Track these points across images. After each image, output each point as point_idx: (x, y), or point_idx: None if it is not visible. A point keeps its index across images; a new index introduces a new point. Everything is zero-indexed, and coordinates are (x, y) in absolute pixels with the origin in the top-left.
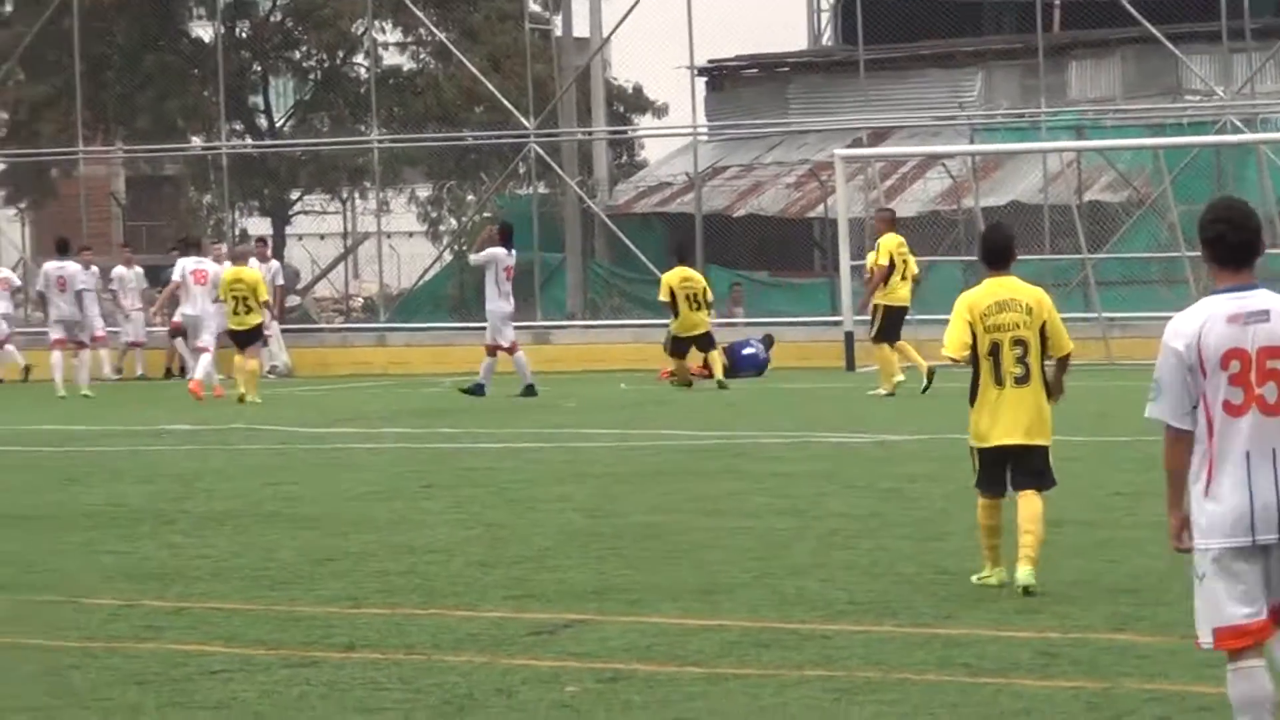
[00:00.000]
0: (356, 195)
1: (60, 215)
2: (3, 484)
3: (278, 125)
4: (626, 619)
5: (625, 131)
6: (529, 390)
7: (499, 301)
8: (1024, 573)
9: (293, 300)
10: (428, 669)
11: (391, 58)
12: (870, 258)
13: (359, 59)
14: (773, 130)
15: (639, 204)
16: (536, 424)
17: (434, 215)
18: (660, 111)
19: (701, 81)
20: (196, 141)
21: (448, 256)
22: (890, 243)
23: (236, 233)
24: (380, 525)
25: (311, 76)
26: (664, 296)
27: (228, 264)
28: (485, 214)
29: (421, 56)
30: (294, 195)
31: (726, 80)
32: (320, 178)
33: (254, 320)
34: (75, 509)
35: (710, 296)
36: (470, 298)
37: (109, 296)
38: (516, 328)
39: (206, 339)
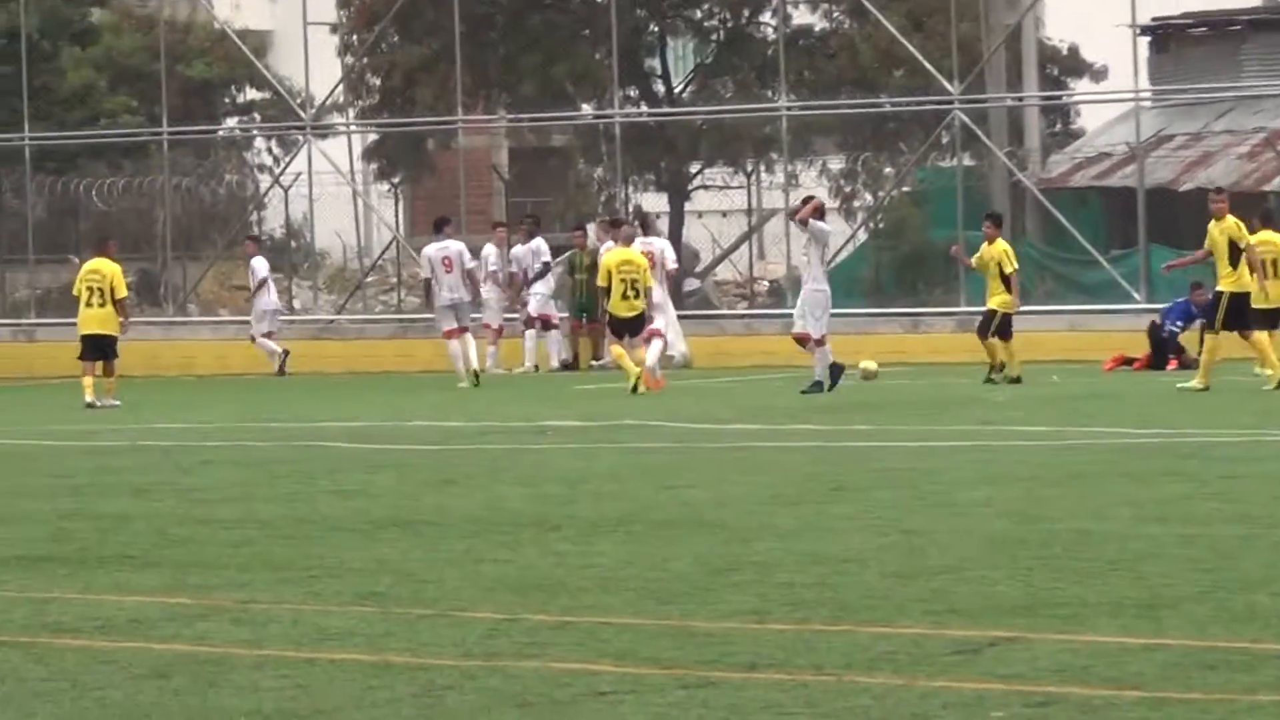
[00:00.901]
0: (762, 168)
1: (437, 191)
2: (380, 485)
3: (676, 91)
4: (1058, 637)
5: (1060, 97)
6: (835, 377)
7: (825, 282)
8: None
9: (691, 284)
10: (838, 691)
11: (801, 16)
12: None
13: (766, 18)
14: (1224, 95)
15: (1075, 177)
16: (960, 420)
17: (847, 190)
18: (1099, 75)
19: (1144, 41)
20: (587, 109)
21: (862, 235)
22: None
23: (630, 209)
24: (786, 532)
25: (713, 37)
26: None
27: (610, 244)
28: (904, 188)
29: (835, 15)
30: (693, 168)
31: (1172, 40)
32: (722, 149)
33: (640, 305)
34: (454, 513)
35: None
36: (887, 281)
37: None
38: (934, 313)
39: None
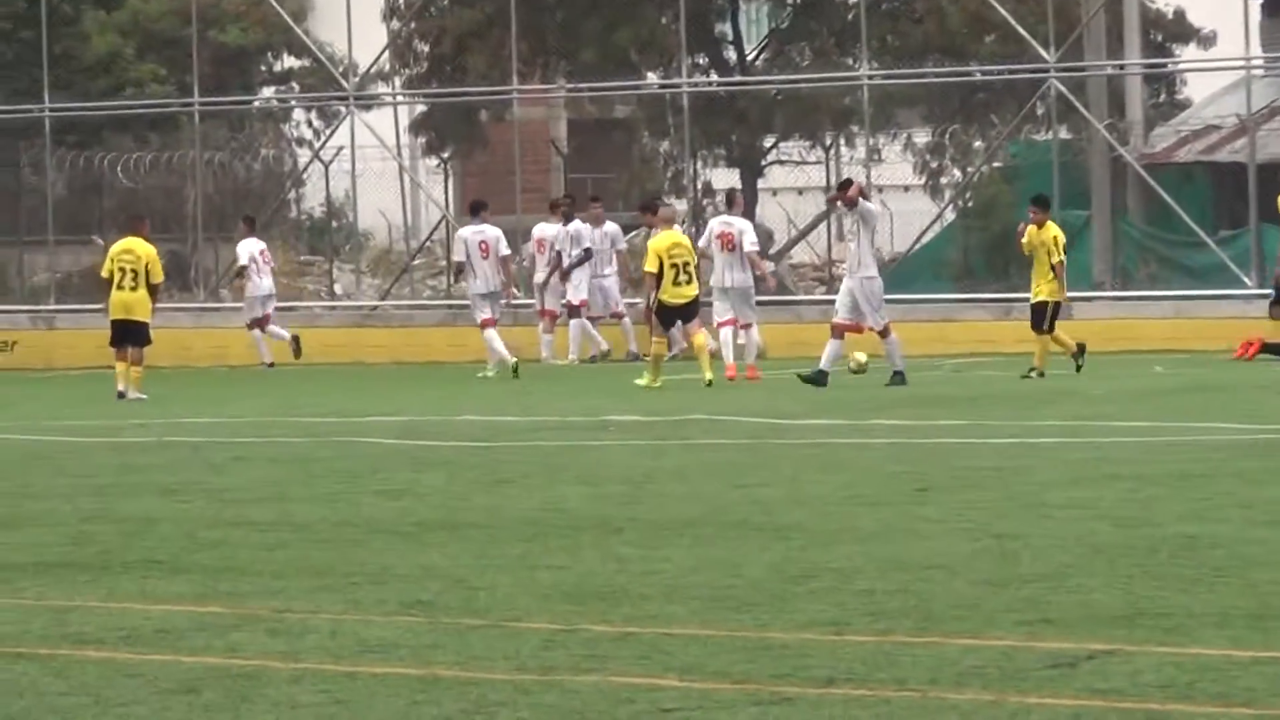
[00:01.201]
0: (842, 141)
1: (489, 167)
2: (427, 485)
3: (748, 59)
4: (1161, 649)
5: (1164, 65)
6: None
7: (876, 269)
8: None
9: (766, 266)
10: (922, 708)
11: None
12: None
13: None
14: None
15: (1180, 151)
16: (1055, 415)
17: (934, 165)
18: (1206, 41)
19: (1256, 5)
20: (652, 78)
21: (950, 214)
22: None
23: (699, 186)
24: (866, 535)
25: (790, 1)
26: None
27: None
28: (995, 164)
29: None
30: (767, 142)
31: None
32: (799, 121)
33: (692, 291)
34: (508, 515)
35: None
36: (976, 264)
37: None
38: (1027, 300)
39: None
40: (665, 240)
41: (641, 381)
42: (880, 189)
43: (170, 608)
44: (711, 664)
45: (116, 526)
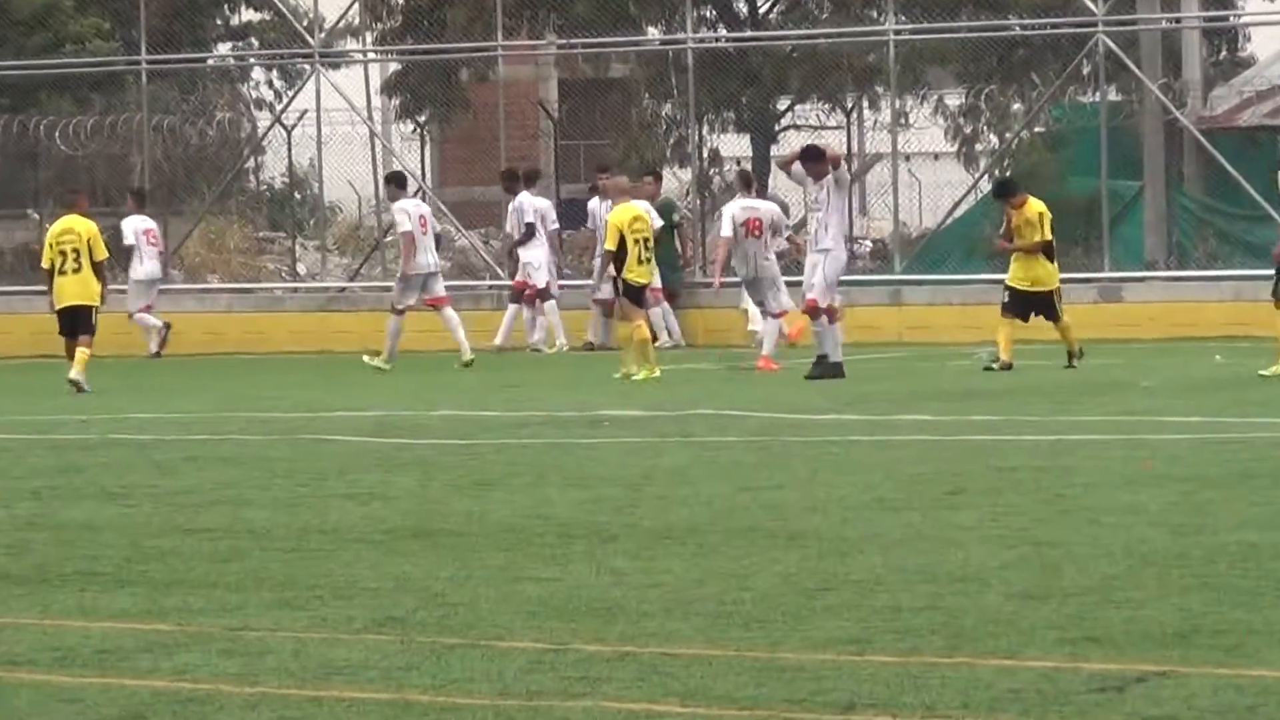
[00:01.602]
0: (864, 104)
1: (472, 132)
2: (400, 487)
3: (761, 11)
4: (1220, 671)
5: (1226, 18)
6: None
7: (844, 245)
8: None
9: (780, 245)
10: None
11: None
12: None
13: None
14: None
15: (1243, 115)
16: (1101, 410)
17: (968, 130)
18: None
19: None
20: (654, 33)
21: (985, 186)
22: None
23: (705, 154)
24: (891, 544)
25: None
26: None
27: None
28: (1036, 128)
29: None
30: (781, 105)
31: None
32: (817, 81)
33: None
34: (490, 522)
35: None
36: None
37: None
38: (1072, 280)
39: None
40: (626, 214)
41: (639, 376)
42: (907, 157)
43: (112, 625)
44: (717, 687)
45: (54, 534)
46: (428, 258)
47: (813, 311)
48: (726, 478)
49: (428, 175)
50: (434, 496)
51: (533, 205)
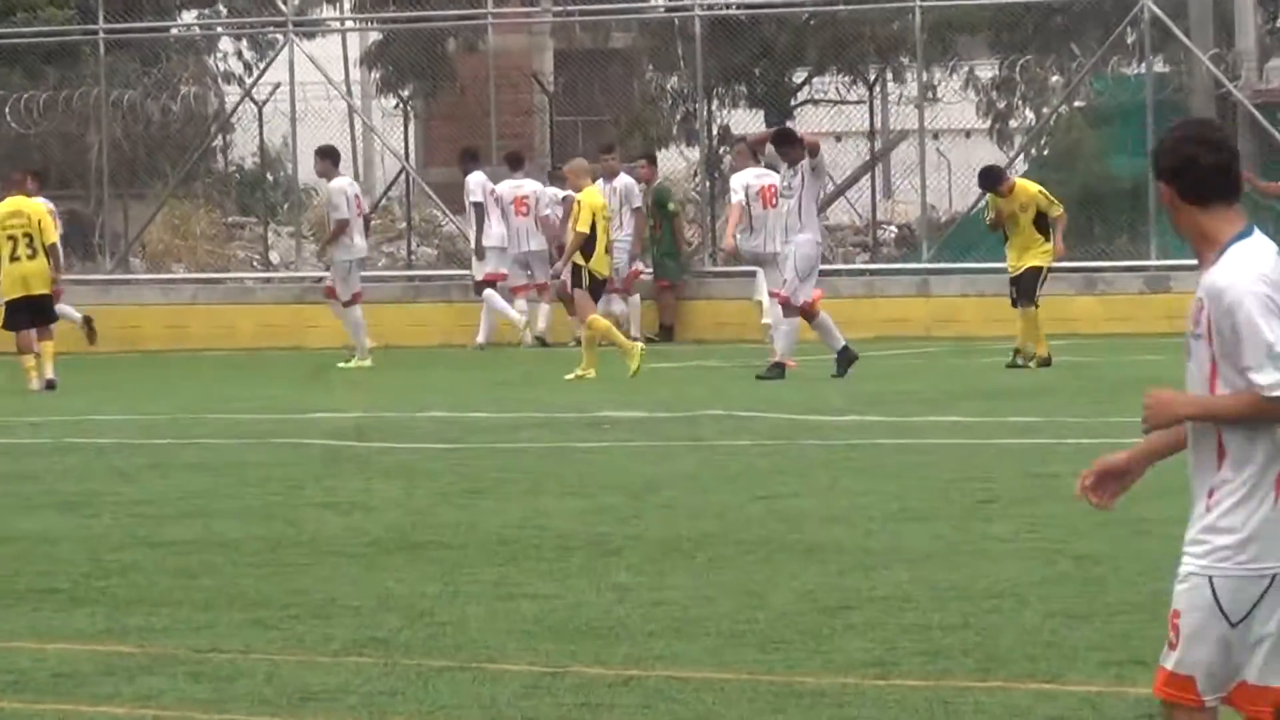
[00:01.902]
0: (889, 76)
1: (459, 108)
2: (382, 496)
3: None
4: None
5: None
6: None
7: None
8: None
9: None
10: None
11: None
12: None
13: None
14: None
15: None
16: None
17: (1001, 105)
18: None
19: None
20: (658, 0)
21: (1021, 165)
22: None
23: (715, 131)
24: (918, 558)
25: None
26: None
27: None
28: (1076, 103)
29: None
30: (798, 77)
31: None
32: (837, 52)
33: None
34: (481, 533)
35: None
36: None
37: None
38: (1115, 268)
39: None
40: (598, 197)
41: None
42: (936, 135)
43: (69, 646)
44: (729, 714)
45: (7, 548)
46: (362, 240)
47: (786, 308)
48: (738, 485)
49: (411, 154)
50: (420, 506)
51: (480, 185)
